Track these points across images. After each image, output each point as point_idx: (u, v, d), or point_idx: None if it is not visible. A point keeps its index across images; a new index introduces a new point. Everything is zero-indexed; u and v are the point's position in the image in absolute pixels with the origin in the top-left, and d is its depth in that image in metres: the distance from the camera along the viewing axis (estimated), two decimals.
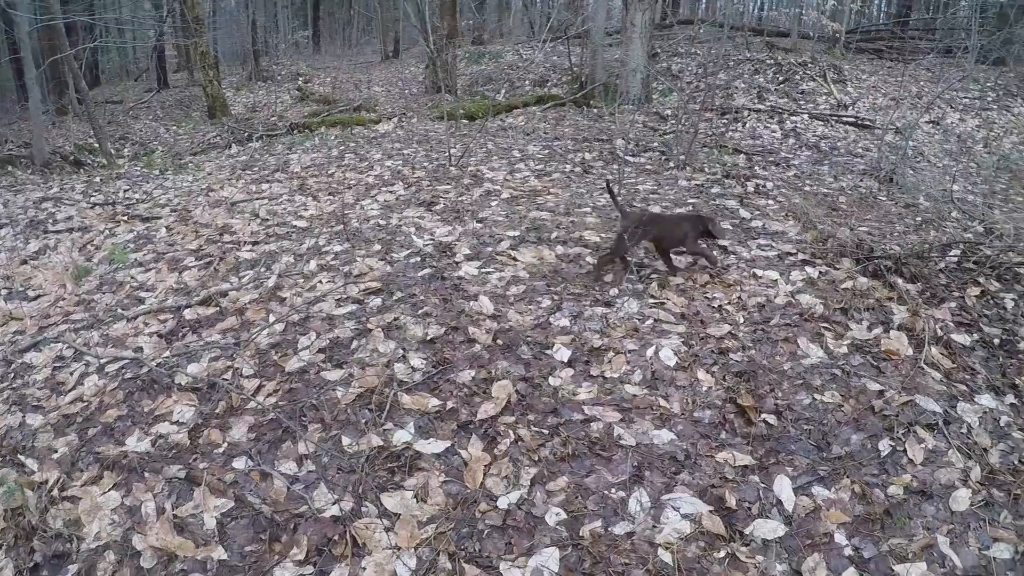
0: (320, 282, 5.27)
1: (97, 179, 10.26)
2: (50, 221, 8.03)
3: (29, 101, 12.51)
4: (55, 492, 3.63)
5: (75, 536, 3.39)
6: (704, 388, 3.99)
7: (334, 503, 3.33)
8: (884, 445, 3.62)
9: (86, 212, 8.19)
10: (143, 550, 3.26)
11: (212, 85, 16.85)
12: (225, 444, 3.80)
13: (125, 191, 9.15)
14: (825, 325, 4.55)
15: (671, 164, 8.52)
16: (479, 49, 21.69)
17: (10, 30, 17.70)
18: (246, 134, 13.15)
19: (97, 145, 12.85)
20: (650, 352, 4.26)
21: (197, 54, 17.35)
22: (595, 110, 12.68)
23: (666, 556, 3.02)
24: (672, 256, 5.25)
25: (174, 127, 16.80)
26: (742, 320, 4.64)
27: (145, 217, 7.70)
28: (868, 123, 11.78)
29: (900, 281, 5.06)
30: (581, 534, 3.13)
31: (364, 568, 3.03)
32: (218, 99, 16.91)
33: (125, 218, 7.78)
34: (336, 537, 3.18)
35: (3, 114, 20.23)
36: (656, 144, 9.61)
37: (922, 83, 15.32)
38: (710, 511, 3.22)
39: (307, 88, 19.95)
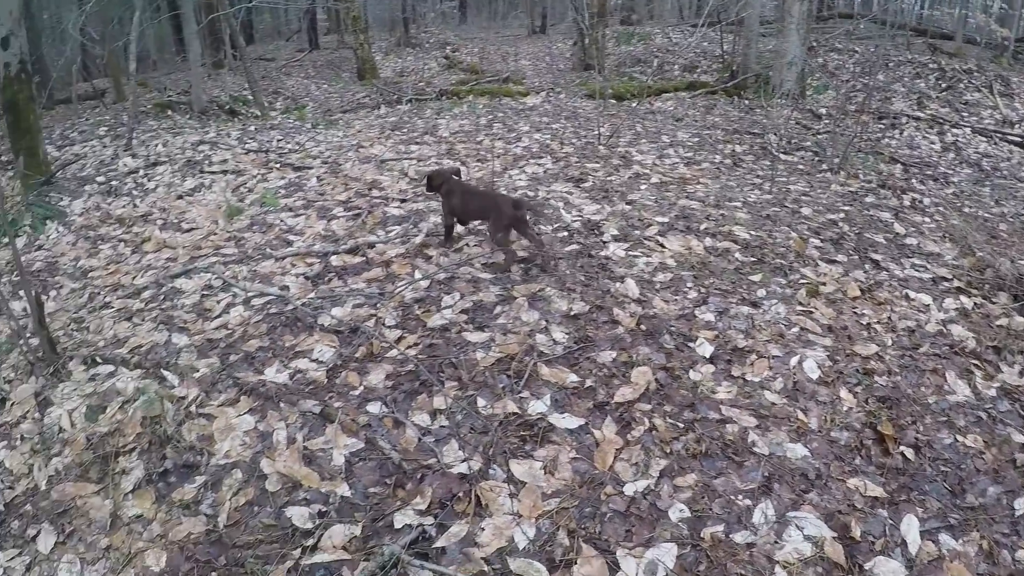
0: (467, 245, 5.33)
1: (252, 127, 10.63)
2: (206, 162, 8.37)
3: (188, 54, 13.03)
4: (192, 408, 3.82)
5: (206, 451, 3.57)
6: (845, 408, 3.83)
7: (463, 461, 3.35)
8: (1020, 504, 3.40)
9: (240, 157, 8.50)
10: (270, 474, 3.38)
11: (362, 48, 17.20)
12: (361, 388, 3.89)
13: (278, 140, 9.45)
14: (975, 362, 4.32)
15: (824, 166, 8.27)
16: (628, 29, 21.47)
17: None
18: (395, 97, 13.37)
19: (251, 97, 13.28)
20: (794, 361, 4.12)
21: (348, 18, 17.72)
22: (746, 101, 12.36)
23: (782, 575, 2.93)
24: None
25: (325, 85, 17.21)
26: (890, 342, 4.44)
27: (297, 166, 7.93)
28: None
29: None
30: (702, 535, 3.05)
31: (483, 529, 3.05)
32: (367, 61, 17.26)
33: (277, 165, 8.04)
34: (460, 494, 3.21)
35: (163, 65, 21.10)
36: (809, 143, 9.32)
37: None
38: (833, 537, 3.08)
39: (454, 57, 20.19)
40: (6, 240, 6.13)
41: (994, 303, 5.01)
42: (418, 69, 18.58)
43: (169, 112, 12.32)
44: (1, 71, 7.39)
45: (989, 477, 3.50)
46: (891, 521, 3.21)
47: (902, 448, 3.59)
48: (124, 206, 7.23)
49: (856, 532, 3.11)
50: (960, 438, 3.70)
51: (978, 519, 3.27)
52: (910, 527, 3.18)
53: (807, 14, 12.26)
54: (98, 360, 4.30)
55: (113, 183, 7.88)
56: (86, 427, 3.77)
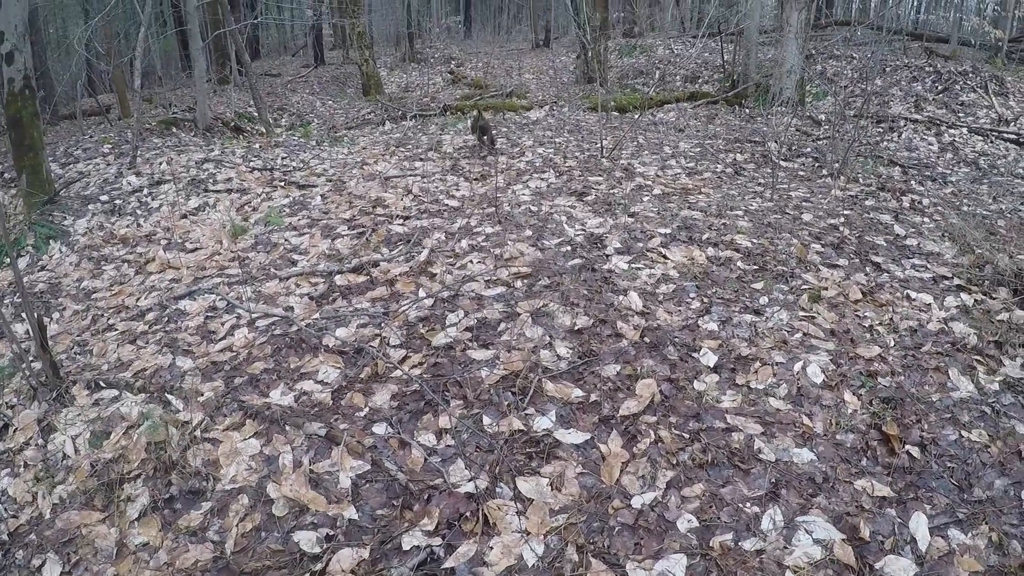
0: (471, 262, 5.34)
1: (256, 145, 10.66)
2: (210, 181, 8.37)
3: (194, 70, 13.02)
4: (197, 432, 3.80)
5: (212, 476, 3.55)
6: (849, 410, 3.84)
7: (469, 480, 3.36)
8: None
9: (245, 175, 8.51)
10: (276, 498, 3.37)
11: (368, 64, 17.28)
12: (367, 408, 3.89)
13: (283, 158, 9.49)
14: (978, 358, 4.32)
15: (824, 171, 8.30)
16: (630, 42, 21.57)
17: (178, 4, 18.51)
18: (400, 112, 13.44)
19: (256, 114, 13.33)
20: (797, 367, 4.13)
21: (354, 34, 17.82)
22: (747, 110, 12.47)
23: None
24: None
25: (330, 101, 17.27)
26: (893, 343, 4.45)
27: (301, 184, 7.95)
28: None
29: None
30: (711, 544, 3.05)
31: (491, 548, 3.04)
32: (373, 77, 17.33)
33: (282, 184, 8.06)
34: (468, 513, 3.21)
35: (169, 81, 21.20)
36: (809, 149, 9.39)
37: None
38: (843, 539, 3.08)
39: (459, 72, 20.27)
40: (8, 260, 6.15)
41: (994, 299, 5.02)
42: (423, 84, 18.66)
43: (174, 129, 12.34)
44: (5, 87, 7.37)
45: (995, 470, 3.51)
46: (900, 520, 3.22)
47: (908, 447, 3.61)
48: (128, 226, 7.24)
49: (865, 533, 3.12)
50: (965, 433, 3.71)
51: (986, 512, 3.28)
52: (919, 524, 3.19)
53: (805, 23, 12.32)
54: (102, 384, 4.30)
55: (117, 202, 7.87)
56: (90, 453, 3.77)
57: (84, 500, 3.54)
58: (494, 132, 9.44)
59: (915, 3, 29.59)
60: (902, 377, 4.13)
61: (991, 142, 10.77)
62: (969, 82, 14.06)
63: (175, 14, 20.41)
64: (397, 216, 6.46)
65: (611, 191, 7.02)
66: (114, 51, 15.12)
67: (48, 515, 3.50)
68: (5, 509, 3.60)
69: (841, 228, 6.15)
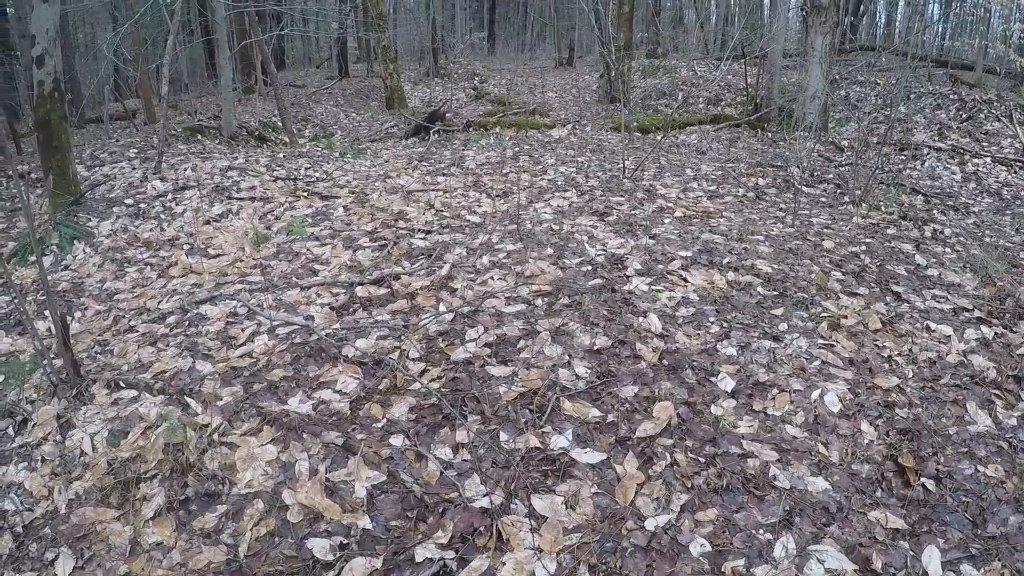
0: (492, 278, 5.35)
1: (280, 155, 10.76)
2: (234, 188, 8.44)
3: (220, 79, 13.17)
4: (215, 436, 3.82)
5: (228, 480, 3.57)
6: (866, 440, 3.82)
7: (485, 495, 3.36)
8: None
9: (268, 184, 8.58)
10: (291, 505, 3.38)
11: (392, 77, 17.42)
12: (384, 420, 3.90)
13: (306, 168, 9.55)
14: (996, 392, 4.29)
15: (846, 198, 8.27)
16: (654, 62, 21.60)
17: (205, 14, 18.69)
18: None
19: (281, 123, 13.43)
20: (815, 395, 4.11)
21: (379, 48, 17.93)
22: (769, 134, 12.45)
23: None
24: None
25: (353, 114, 17.37)
26: (911, 374, 4.42)
27: (324, 195, 8.00)
28: None
29: None
30: (723, 570, 3.04)
31: (504, 563, 3.04)
32: (396, 91, 17.47)
33: (305, 194, 8.11)
34: (482, 528, 3.21)
35: (194, 88, 21.36)
36: (831, 176, 9.35)
37: None
38: (855, 570, 3.06)
39: (482, 88, 20.35)
40: (33, 258, 6.19)
41: (1015, 332, 4.99)
42: (447, 99, 18.73)
43: (199, 136, 12.47)
44: (35, 89, 7.45)
45: (1011, 506, 3.48)
46: (912, 553, 3.19)
47: (923, 480, 3.58)
48: (151, 229, 7.29)
49: (877, 564, 3.10)
50: (981, 468, 3.68)
51: (1000, 548, 3.25)
52: (931, 558, 3.16)
53: (829, 48, 12.30)
54: (121, 384, 4.32)
55: (141, 206, 7.95)
56: (107, 452, 3.79)
57: (100, 497, 3.56)
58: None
59: (940, 30, 29.53)
60: (919, 409, 4.10)
61: (1015, 172, 10.68)
62: (994, 111, 13.97)
63: (202, 23, 20.61)
64: (419, 230, 6.51)
65: (632, 212, 7.04)
66: (141, 58, 15.26)
67: (63, 510, 3.53)
68: (21, 502, 3.63)
69: (862, 256, 6.12)
